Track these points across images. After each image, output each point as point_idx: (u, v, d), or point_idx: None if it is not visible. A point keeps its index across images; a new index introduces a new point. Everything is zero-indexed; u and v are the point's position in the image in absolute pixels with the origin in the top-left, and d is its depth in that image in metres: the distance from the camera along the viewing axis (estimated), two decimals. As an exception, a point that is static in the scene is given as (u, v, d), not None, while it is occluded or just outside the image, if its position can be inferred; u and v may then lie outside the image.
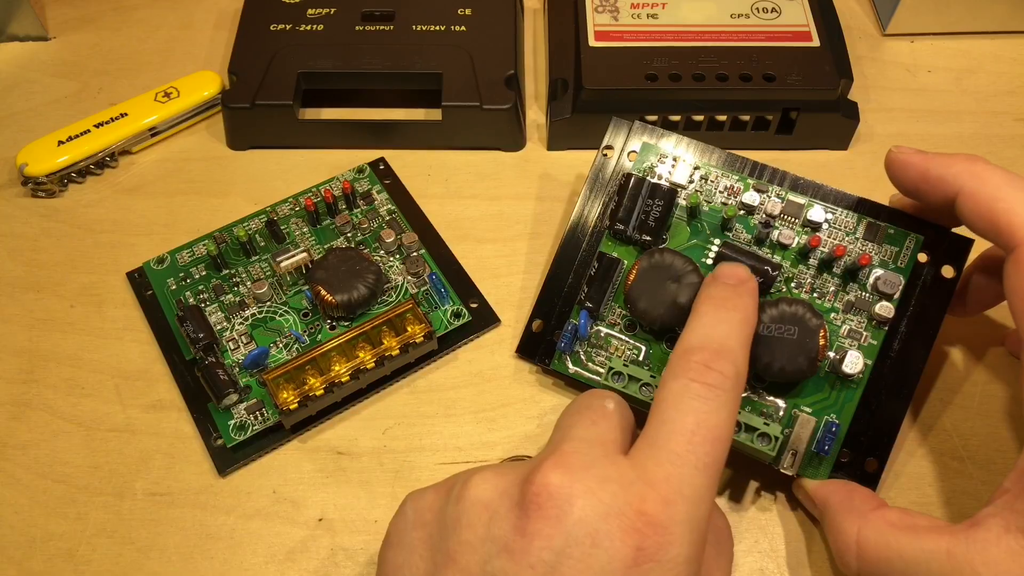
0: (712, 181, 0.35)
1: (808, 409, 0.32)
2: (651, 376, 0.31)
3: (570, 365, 0.34)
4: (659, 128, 0.37)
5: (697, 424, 0.24)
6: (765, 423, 0.30)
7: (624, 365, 0.31)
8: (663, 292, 0.32)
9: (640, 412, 0.32)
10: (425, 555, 0.24)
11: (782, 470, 0.30)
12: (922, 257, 0.33)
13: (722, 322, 0.27)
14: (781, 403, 0.32)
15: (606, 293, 0.34)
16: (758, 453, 0.30)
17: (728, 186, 0.35)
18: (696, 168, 0.36)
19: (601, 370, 0.33)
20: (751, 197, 0.34)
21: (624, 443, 0.26)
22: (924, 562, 0.25)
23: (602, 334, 0.34)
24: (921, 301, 0.32)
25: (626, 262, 0.35)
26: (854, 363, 0.31)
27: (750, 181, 0.35)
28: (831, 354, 0.32)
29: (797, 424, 0.31)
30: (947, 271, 0.32)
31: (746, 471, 0.33)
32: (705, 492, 0.24)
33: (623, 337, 0.34)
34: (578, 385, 0.35)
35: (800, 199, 0.34)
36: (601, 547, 0.22)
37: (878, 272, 0.33)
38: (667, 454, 0.24)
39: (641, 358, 0.33)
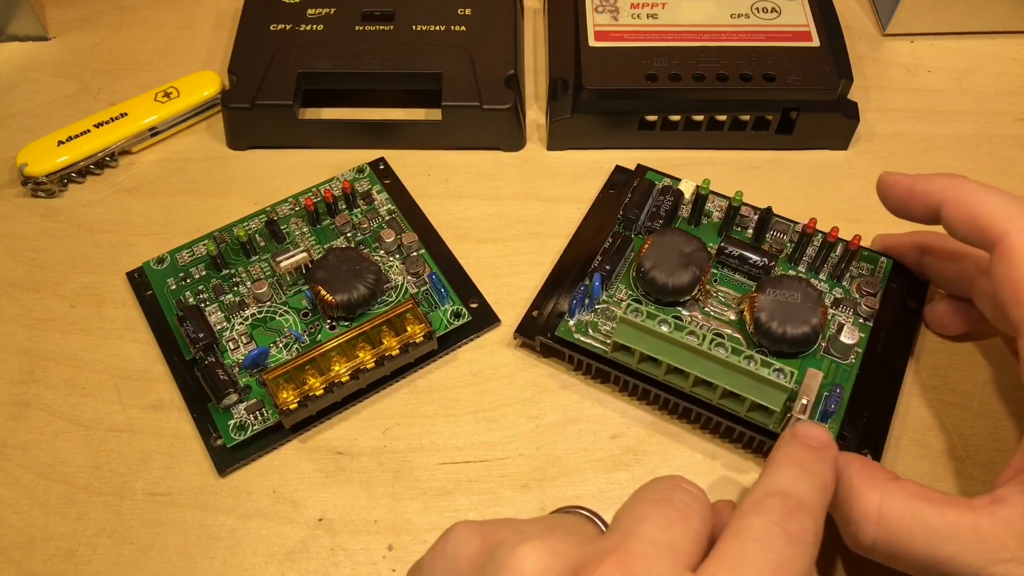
0: (712, 203, 0.37)
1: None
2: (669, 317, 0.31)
3: (575, 333, 0.34)
4: (658, 172, 0.38)
5: (778, 566, 0.22)
6: (777, 368, 0.30)
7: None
8: (674, 261, 0.33)
9: (647, 380, 0.32)
10: None
11: (795, 415, 0.30)
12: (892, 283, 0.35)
13: (803, 482, 0.25)
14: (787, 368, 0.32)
15: (618, 265, 0.35)
16: (772, 396, 0.30)
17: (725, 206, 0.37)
18: (699, 187, 0.37)
19: (608, 340, 0.33)
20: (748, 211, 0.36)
21: (697, 554, 0.23)
22: (949, 533, 0.25)
23: (609, 310, 0.34)
24: (897, 301, 0.35)
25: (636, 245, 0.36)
26: (851, 334, 0.32)
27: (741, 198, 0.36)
28: (823, 343, 0.33)
29: (806, 377, 0.31)
30: (911, 303, 0.35)
31: (748, 463, 0.33)
32: None
33: None
34: (580, 376, 0.35)
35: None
36: None
37: (859, 279, 0.35)
38: None
39: None
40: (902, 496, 0.27)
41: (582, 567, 0.21)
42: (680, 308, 0.34)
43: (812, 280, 0.34)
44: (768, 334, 0.32)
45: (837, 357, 0.33)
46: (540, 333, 0.34)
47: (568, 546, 0.22)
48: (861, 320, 0.34)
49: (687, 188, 0.37)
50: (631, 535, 0.22)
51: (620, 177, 0.39)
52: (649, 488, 0.24)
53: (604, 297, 0.34)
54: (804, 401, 0.30)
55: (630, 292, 0.34)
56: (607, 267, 0.34)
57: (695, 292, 0.34)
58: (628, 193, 0.37)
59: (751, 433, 0.31)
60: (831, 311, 0.34)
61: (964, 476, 0.32)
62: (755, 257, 0.34)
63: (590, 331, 0.34)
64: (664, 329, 0.31)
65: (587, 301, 0.34)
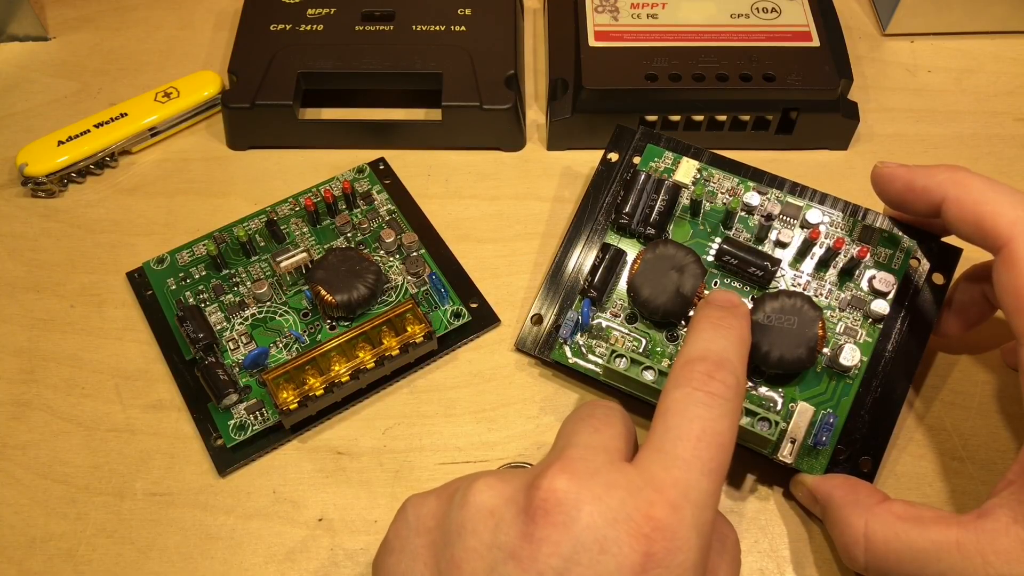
0: (715, 182, 0.36)
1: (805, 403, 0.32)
2: (653, 361, 0.31)
3: (569, 355, 0.34)
4: (662, 134, 0.37)
5: (703, 430, 0.24)
6: (766, 409, 0.30)
7: (625, 350, 0.31)
8: (666, 281, 0.33)
9: (640, 400, 0.32)
10: (429, 562, 0.24)
11: (780, 458, 0.30)
12: (913, 263, 0.33)
13: (721, 337, 0.27)
14: (778, 397, 0.32)
15: (609, 282, 0.34)
16: (758, 439, 0.30)
17: (730, 188, 0.36)
18: (699, 170, 0.36)
19: (600, 360, 0.33)
20: (752, 197, 0.35)
21: (627, 451, 0.26)
22: (934, 552, 0.25)
23: (603, 325, 0.34)
24: (915, 300, 0.33)
25: (629, 254, 0.35)
26: (851, 355, 0.31)
27: (751, 184, 0.36)
28: (826, 351, 0.32)
29: (796, 413, 0.31)
30: (937, 278, 0.33)
31: (744, 471, 0.33)
32: (711, 497, 0.24)
33: (623, 329, 0.34)
34: (578, 377, 0.35)
35: (799, 202, 0.35)
36: (609, 553, 0.22)
37: (872, 272, 0.33)
38: (673, 459, 0.24)
39: (641, 350, 0.33)
40: (887, 519, 0.27)
41: (530, 484, 0.23)
42: (676, 326, 0.34)
43: (818, 279, 0.34)
44: (765, 360, 0.31)
45: (838, 372, 0.32)
46: (539, 354, 0.34)
47: (516, 475, 0.25)
48: (870, 322, 0.33)
49: (686, 173, 0.36)
50: (567, 447, 0.25)
51: (621, 144, 0.37)
52: (571, 414, 0.27)
53: (597, 316, 0.34)
54: (791, 443, 0.31)
55: (625, 306, 0.34)
56: (599, 286, 0.34)
57: (689, 312, 0.33)
58: (621, 191, 0.36)
59: (747, 447, 0.31)
60: (839, 312, 0.33)
61: (964, 476, 0.32)
62: (753, 269, 0.33)
63: (585, 352, 0.33)
64: (648, 377, 0.31)
65: (579, 323, 0.34)
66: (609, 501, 0.23)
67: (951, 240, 0.33)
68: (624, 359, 0.31)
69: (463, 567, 0.23)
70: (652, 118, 0.41)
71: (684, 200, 0.36)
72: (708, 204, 0.36)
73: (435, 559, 0.24)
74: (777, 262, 0.33)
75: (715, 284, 0.34)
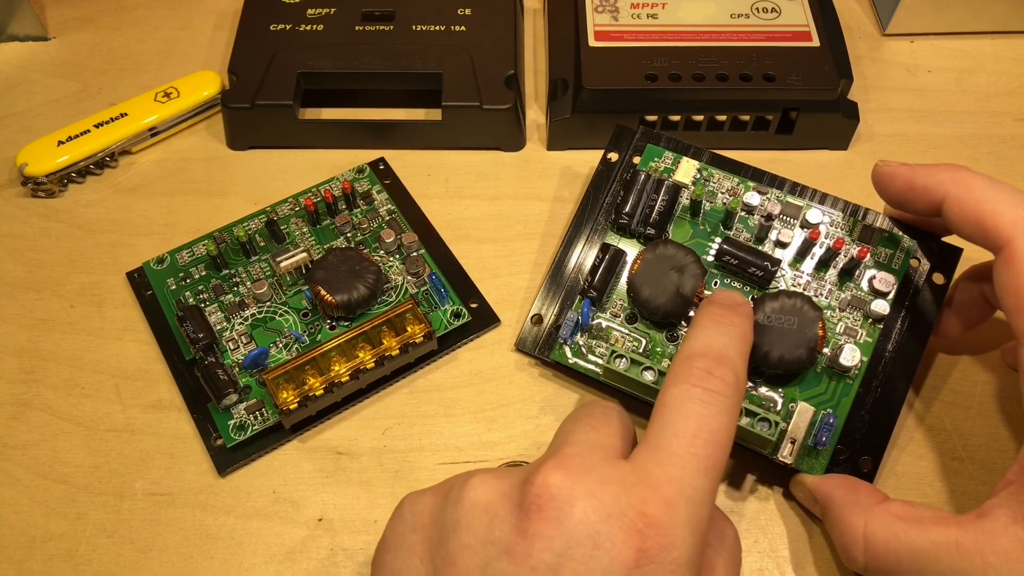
0: (715, 182, 0.36)
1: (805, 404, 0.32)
2: (653, 362, 0.31)
3: (570, 355, 0.34)
4: (662, 134, 0.37)
5: (699, 427, 0.24)
6: (766, 409, 0.30)
7: (625, 350, 0.31)
8: (666, 281, 0.33)
9: (640, 400, 0.32)
10: (425, 558, 0.24)
11: (780, 458, 0.30)
12: (913, 263, 0.33)
13: (722, 334, 0.27)
14: (778, 397, 0.32)
15: (609, 282, 0.34)
16: (757, 440, 0.30)
17: (730, 188, 0.36)
18: (699, 170, 0.36)
19: (600, 360, 0.33)
20: (752, 197, 0.35)
21: (624, 449, 0.26)
22: (933, 553, 0.25)
23: (603, 325, 0.34)
24: (915, 300, 0.33)
25: (629, 254, 0.35)
26: (851, 355, 0.31)
27: (751, 184, 0.36)
28: (826, 351, 0.32)
29: (796, 413, 0.31)
30: (937, 278, 0.33)
31: (744, 471, 0.33)
32: (706, 494, 0.24)
33: (624, 329, 0.34)
34: (578, 377, 0.35)
35: (799, 202, 0.35)
36: (602, 548, 0.22)
37: (872, 272, 0.33)
38: (669, 456, 0.24)
39: (641, 350, 0.33)
40: (886, 520, 0.27)
41: (525, 480, 0.24)
42: (676, 326, 0.34)
43: (818, 279, 0.34)
44: (765, 360, 0.31)
45: (838, 373, 0.32)
46: (539, 354, 0.34)
47: (511, 472, 0.25)
48: (870, 322, 0.33)
49: (686, 173, 0.36)
50: (563, 444, 0.25)
51: (622, 143, 0.37)
52: (570, 414, 0.27)
53: (597, 316, 0.34)
54: (791, 443, 0.31)
55: (625, 307, 0.34)
56: (599, 286, 0.34)
57: (689, 312, 0.33)
58: (621, 192, 0.36)
59: (748, 448, 0.31)
60: (839, 312, 0.33)
61: (964, 476, 0.32)
62: (753, 269, 0.33)
63: (585, 352, 0.33)
64: (648, 378, 0.31)
65: (579, 324, 0.34)
66: (603, 497, 0.23)
67: (952, 240, 0.33)
68: (624, 359, 0.31)
69: (458, 563, 0.23)
70: (652, 118, 0.41)
71: (684, 200, 0.36)
72: (708, 204, 0.36)
73: (430, 555, 0.24)
74: (777, 262, 0.33)
75: (715, 284, 0.34)
